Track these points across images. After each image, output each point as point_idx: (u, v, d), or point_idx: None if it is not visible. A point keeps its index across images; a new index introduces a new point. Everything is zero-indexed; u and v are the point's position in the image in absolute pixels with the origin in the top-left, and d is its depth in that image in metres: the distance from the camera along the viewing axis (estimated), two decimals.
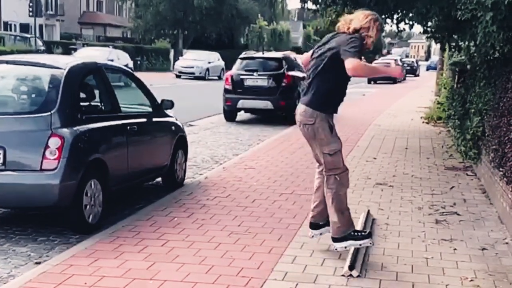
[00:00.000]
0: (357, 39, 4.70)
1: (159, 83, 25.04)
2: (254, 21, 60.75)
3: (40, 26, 48.64)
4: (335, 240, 4.92)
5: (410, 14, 10.21)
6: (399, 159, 9.89)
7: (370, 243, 4.97)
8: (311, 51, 5.23)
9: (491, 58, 8.77)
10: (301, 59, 5.29)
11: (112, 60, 26.25)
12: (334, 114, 5.02)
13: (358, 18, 4.84)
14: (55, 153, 5.28)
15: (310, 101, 4.86)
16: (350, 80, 5.00)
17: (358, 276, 4.51)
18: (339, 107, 5.03)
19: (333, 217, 4.87)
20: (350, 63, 4.52)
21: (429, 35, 11.69)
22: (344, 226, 4.85)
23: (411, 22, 11.17)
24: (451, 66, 15.35)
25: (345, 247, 4.88)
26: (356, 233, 4.91)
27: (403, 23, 11.39)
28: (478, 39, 7.37)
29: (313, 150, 5.02)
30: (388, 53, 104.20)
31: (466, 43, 9.49)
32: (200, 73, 36.30)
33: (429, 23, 10.77)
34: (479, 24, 7.04)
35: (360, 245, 4.90)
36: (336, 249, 4.94)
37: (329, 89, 4.85)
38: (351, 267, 4.55)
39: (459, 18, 7.49)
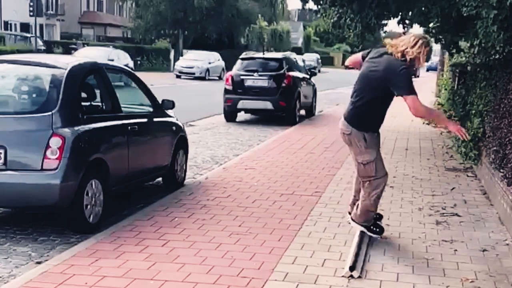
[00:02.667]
0: (407, 69, 4.89)
1: (159, 83, 25.05)
2: (254, 21, 60.69)
3: (41, 25, 48.64)
4: (353, 220, 5.48)
5: (411, 14, 10.20)
6: (400, 160, 9.89)
7: (378, 237, 5.45)
8: (361, 54, 5.45)
9: (492, 59, 8.77)
10: (351, 59, 5.62)
11: (112, 60, 26.20)
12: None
13: (408, 41, 4.96)
14: (56, 153, 5.28)
15: (349, 117, 5.24)
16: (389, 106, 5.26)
17: (359, 277, 4.51)
18: (379, 127, 5.34)
19: (359, 212, 5.38)
20: (412, 103, 4.84)
21: (429, 35, 11.69)
22: (364, 220, 5.39)
23: (410, 22, 11.16)
24: (451, 67, 15.35)
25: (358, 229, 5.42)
26: (372, 227, 5.42)
27: (405, 24, 11.39)
28: (479, 38, 7.38)
29: (352, 155, 5.40)
30: None
31: (469, 43, 9.50)
32: (200, 73, 36.25)
33: (430, 24, 10.76)
34: (480, 23, 7.05)
35: (369, 236, 5.40)
36: (349, 223, 5.57)
37: (368, 112, 5.17)
38: (352, 268, 4.56)
39: (464, 15, 7.48)
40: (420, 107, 4.90)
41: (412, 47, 4.93)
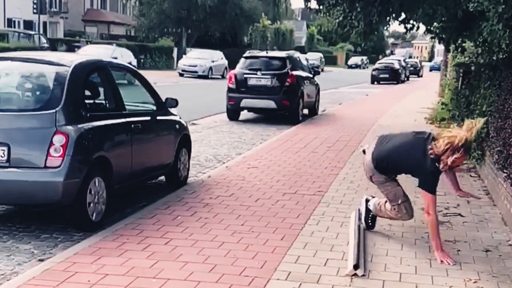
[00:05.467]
0: (436, 174, 4.98)
1: (162, 81, 25.06)
2: (257, 20, 60.67)
3: (44, 23, 48.66)
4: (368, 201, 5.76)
5: (415, 15, 10.19)
6: None
7: (363, 225, 5.71)
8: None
9: (496, 59, 8.76)
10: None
11: (115, 58, 26.19)
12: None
13: (445, 140, 4.86)
14: (60, 151, 5.27)
15: (376, 163, 5.36)
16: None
17: (363, 275, 4.52)
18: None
19: (377, 206, 5.63)
20: (427, 202, 5.00)
21: (433, 35, 11.67)
22: (373, 209, 5.68)
23: (415, 23, 11.15)
24: (455, 67, 15.33)
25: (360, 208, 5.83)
26: (370, 215, 5.70)
27: (408, 24, 11.37)
28: (484, 37, 7.38)
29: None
30: (392, 53, 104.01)
31: (472, 43, 9.49)
32: (203, 72, 36.27)
33: (435, 24, 10.74)
34: (485, 22, 7.05)
35: (364, 229, 5.67)
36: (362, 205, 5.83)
37: (396, 168, 5.40)
38: (356, 266, 4.57)
39: (471, 10, 7.47)
40: (432, 211, 4.98)
41: (445, 146, 4.83)
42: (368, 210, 5.75)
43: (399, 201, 5.42)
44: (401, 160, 5.21)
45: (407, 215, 5.48)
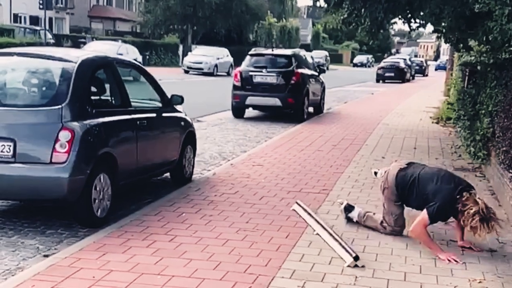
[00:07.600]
0: (444, 213, 5.13)
1: (167, 78, 25.08)
2: (263, 17, 60.69)
3: (50, 19, 48.70)
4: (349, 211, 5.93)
5: (422, 14, 10.16)
6: (408, 159, 9.82)
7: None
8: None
9: (501, 58, 8.72)
10: None
11: (121, 54, 26.29)
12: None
13: (471, 208, 4.99)
14: (65, 147, 5.28)
15: (398, 181, 5.46)
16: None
17: (363, 266, 4.61)
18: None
19: (367, 221, 5.78)
20: (421, 220, 5.11)
21: (439, 34, 11.64)
22: (358, 219, 5.87)
23: (422, 22, 11.11)
24: (461, 66, 15.26)
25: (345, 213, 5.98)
26: (348, 216, 5.95)
27: (415, 23, 11.33)
28: (493, 35, 7.36)
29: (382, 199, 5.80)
30: (397, 52, 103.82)
31: (477, 42, 9.46)
32: (208, 69, 36.31)
33: (442, 23, 10.70)
34: (494, 21, 7.03)
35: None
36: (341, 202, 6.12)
37: (406, 195, 5.48)
38: (357, 258, 4.67)
39: (476, 11, 7.46)
40: (422, 229, 5.11)
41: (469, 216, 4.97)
42: (348, 218, 5.94)
43: (396, 227, 5.52)
44: (426, 195, 5.21)
45: (393, 234, 5.57)
